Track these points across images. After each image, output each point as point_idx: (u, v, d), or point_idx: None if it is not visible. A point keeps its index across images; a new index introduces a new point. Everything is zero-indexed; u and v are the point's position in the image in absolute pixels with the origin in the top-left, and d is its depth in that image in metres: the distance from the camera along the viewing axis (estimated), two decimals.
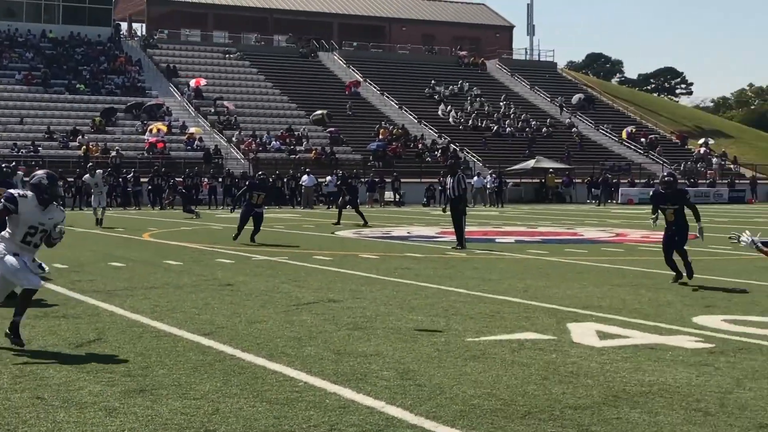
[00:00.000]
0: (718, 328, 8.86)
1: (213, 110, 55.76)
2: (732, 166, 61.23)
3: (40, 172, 8.16)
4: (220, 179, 44.16)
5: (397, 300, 10.79)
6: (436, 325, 8.99)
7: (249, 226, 20.04)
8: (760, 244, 8.77)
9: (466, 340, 8.22)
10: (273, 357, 7.42)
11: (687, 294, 11.47)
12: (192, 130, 51.49)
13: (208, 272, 13.83)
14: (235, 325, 8.96)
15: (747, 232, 9.00)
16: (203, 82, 57.84)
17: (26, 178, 11.83)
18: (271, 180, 34.64)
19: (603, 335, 8.44)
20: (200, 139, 50.69)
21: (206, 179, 43.85)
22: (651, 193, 13.59)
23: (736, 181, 56.19)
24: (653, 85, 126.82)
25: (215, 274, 13.63)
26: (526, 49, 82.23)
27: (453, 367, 7.07)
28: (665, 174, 13.81)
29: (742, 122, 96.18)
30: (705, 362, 7.29)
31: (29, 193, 7.87)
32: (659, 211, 12.86)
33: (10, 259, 7.69)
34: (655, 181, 50.34)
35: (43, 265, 8.21)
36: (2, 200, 7.87)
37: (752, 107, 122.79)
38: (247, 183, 23.00)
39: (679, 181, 13.60)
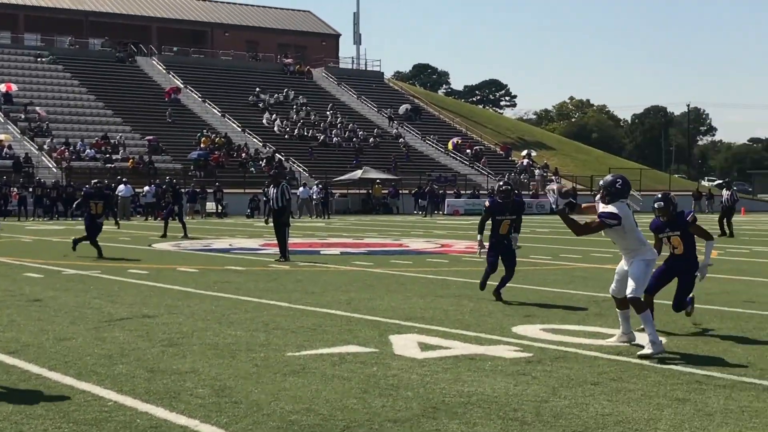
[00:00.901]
0: (536, 338, 9.04)
1: (23, 116, 53.57)
2: (553, 177, 63.71)
3: None
4: (31, 189, 42.27)
5: (216, 315, 10.51)
6: (256, 340, 8.77)
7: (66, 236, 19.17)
8: (559, 206, 7.98)
9: (286, 354, 8.04)
10: (82, 376, 7.12)
11: (507, 304, 11.68)
12: (1, 137, 49.29)
13: (15, 287, 13.23)
14: (42, 343, 8.57)
15: (553, 188, 8.52)
16: (14, 87, 55.72)
17: None
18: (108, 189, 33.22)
19: (425, 347, 8.45)
20: (9, 147, 48.57)
21: (16, 189, 41.93)
22: (486, 203, 12.43)
23: None
24: (478, 97, 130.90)
25: (22, 289, 13.03)
26: (352, 58, 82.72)
27: (272, 383, 6.89)
28: (502, 183, 12.44)
29: (563, 134, 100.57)
30: (523, 371, 7.39)
31: None
32: (491, 221, 12.00)
33: None
34: (480, 192, 51.75)
35: None
36: None
37: (572, 120, 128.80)
38: (83, 192, 21.58)
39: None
